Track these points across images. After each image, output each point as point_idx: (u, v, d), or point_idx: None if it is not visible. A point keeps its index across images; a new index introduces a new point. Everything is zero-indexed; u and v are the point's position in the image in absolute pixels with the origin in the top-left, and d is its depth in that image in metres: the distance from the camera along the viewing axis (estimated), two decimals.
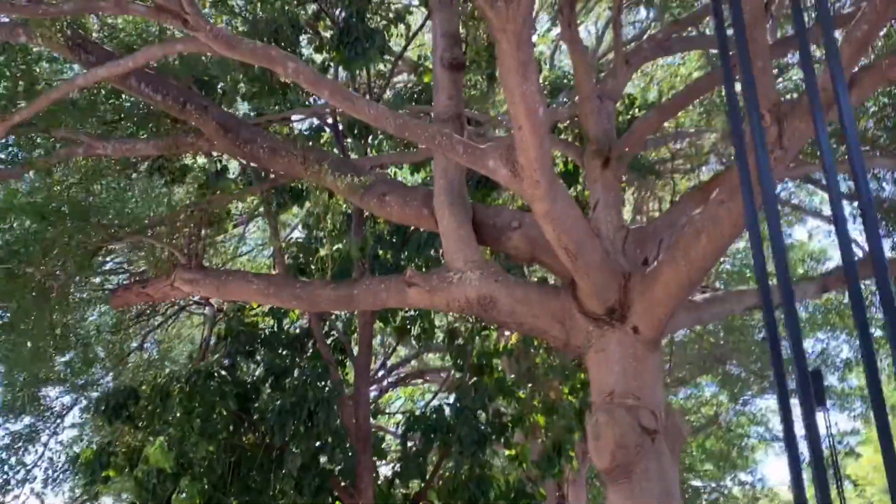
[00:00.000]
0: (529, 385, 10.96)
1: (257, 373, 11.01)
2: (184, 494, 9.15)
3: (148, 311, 12.00)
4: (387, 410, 17.09)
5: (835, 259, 18.70)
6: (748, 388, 18.96)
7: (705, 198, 7.18)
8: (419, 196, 7.46)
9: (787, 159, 5.63)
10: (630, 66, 7.72)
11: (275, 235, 9.23)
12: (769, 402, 20.75)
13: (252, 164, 8.25)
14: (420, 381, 16.77)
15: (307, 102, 9.69)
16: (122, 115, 8.55)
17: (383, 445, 12.08)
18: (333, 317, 11.87)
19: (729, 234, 5.92)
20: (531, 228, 7.17)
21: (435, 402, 12.78)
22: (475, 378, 11.17)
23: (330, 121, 10.25)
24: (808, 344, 17.73)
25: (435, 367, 16.46)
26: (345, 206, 9.21)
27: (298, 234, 13.58)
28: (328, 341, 11.25)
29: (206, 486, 9.30)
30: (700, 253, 6.03)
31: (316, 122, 10.95)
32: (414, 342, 12.88)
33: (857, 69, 5.37)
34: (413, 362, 16.53)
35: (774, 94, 5.60)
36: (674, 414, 6.57)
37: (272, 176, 8.53)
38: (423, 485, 10.92)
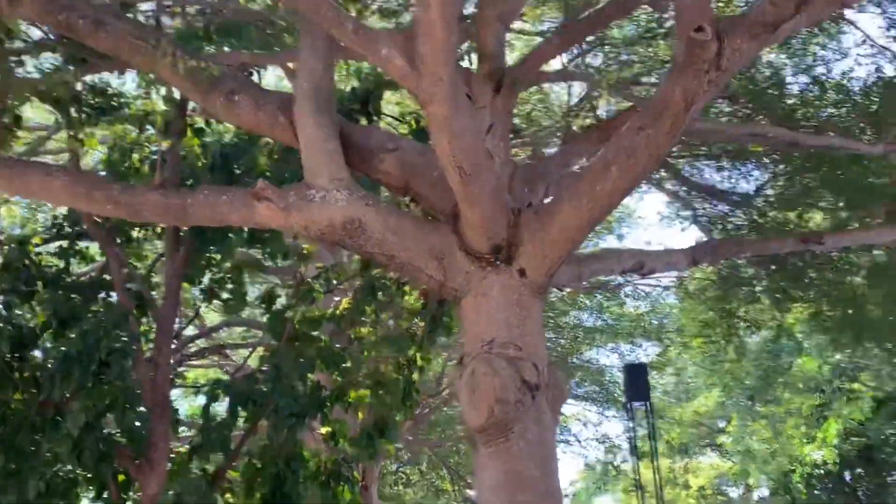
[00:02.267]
0: (356, 356, 9.93)
1: (37, 318, 9.17)
2: None
3: None
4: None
5: None
6: None
7: (603, 139, 6.57)
8: (276, 100, 6.30)
9: (721, 83, 5.08)
10: None
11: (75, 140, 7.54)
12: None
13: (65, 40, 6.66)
14: (217, 357, 15.20)
15: None
16: None
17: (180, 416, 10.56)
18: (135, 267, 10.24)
19: (644, 167, 5.28)
20: (409, 153, 6.23)
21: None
22: (295, 346, 9.97)
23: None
24: None
25: (239, 341, 14.98)
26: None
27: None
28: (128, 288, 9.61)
29: None
30: (608, 188, 5.35)
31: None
32: (222, 307, 11.43)
33: None
34: (222, 332, 14.94)
35: (710, 10, 5.03)
36: (555, 369, 5.84)
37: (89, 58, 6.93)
38: (226, 460, 9.54)
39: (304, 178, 5.90)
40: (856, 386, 22.41)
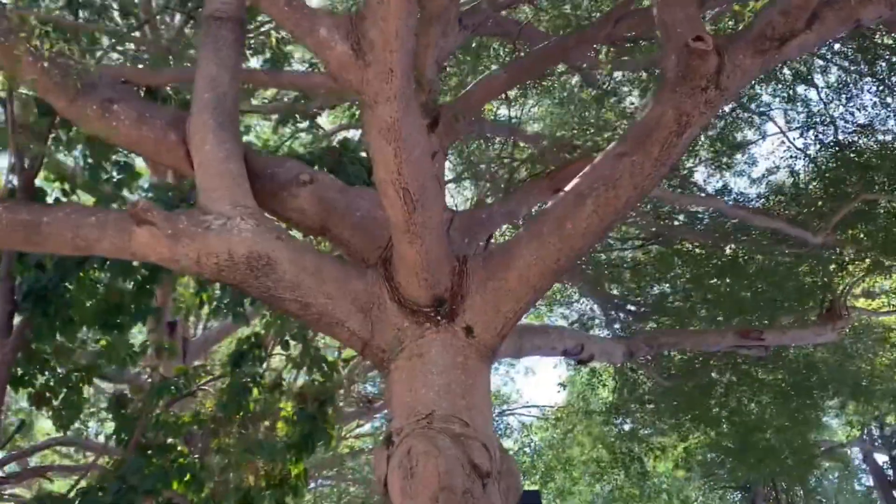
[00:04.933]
0: (222, 466, 8.30)
1: None
2: None
3: None
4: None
5: None
6: None
7: (554, 188, 5.73)
8: (166, 115, 5.12)
9: (718, 107, 4.37)
10: (464, 28, 6.23)
11: None
12: None
13: None
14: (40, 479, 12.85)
15: None
16: None
17: None
18: None
19: (626, 201, 4.41)
20: (327, 189, 5.14)
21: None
22: (146, 456, 8.24)
23: None
24: None
25: (69, 462, 12.73)
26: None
27: None
28: None
29: None
30: (581, 226, 4.44)
31: None
32: (52, 418, 9.50)
33: (820, 2, 4.35)
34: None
35: (702, 24, 4.39)
36: (508, 455, 4.66)
37: None
38: None
39: (198, 203, 4.67)
40: None
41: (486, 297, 4.60)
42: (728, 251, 8.68)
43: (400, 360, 4.58)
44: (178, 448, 8.69)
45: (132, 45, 6.18)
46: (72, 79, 4.79)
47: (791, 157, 9.02)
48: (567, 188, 4.54)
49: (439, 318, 4.60)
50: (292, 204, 5.05)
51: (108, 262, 8.15)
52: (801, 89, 9.05)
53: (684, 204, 8.18)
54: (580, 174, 4.54)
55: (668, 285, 10.11)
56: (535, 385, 43.11)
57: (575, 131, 7.19)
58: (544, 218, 4.57)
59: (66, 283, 8.07)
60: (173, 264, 4.48)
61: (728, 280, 8.70)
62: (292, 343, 9.17)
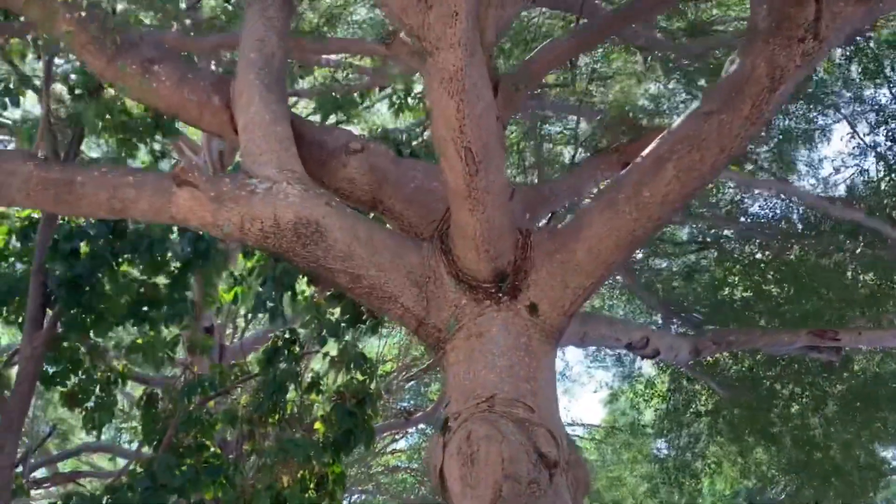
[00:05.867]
0: (256, 467, 7.92)
1: None
2: None
3: None
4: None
5: None
6: None
7: (624, 162, 5.32)
8: (209, 77, 4.83)
9: (820, 57, 3.95)
10: None
11: None
12: None
13: None
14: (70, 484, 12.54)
15: None
16: None
17: None
18: None
19: (712, 165, 3.99)
20: (379, 157, 4.78)
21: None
22: (178, 454, 7.90)
23: None
24: None
25: (100, 469, 12.45)
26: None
27: None
28: None
29: None
30: (661, 193, 4.02)
31: None
32: (83, 421, 9.20)
33: None
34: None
35: None
36: (576, 446, 4.24)
37: None
38: None
39: (242, 166, 4.34)
40: None
41: (552, 272, 4.20)
42: (794, 253, 8.19)
43: (457, 339, 4.19)
44: (211, 448, 8.36)
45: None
46: (111, 35, 4.50)
47: (860, 153, 8.53)
48: (644, 152, 4.13)
49: (500, 294, 4.21)
50: (341, 173, 4.70)
51: (140, 253, 7.89)
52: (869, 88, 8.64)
53: (758, 188, 7.73)
54: (658, 137, 4.13)
55: (727, 292, 9.62)
56: (578, 405, 42.25)
57: (644, 105, 6.80)
58: (619, 185, 4.16)
59: (99, 275, 7.82)
60: (215, 230, 4.14)
61: (794, 284, 8.21)
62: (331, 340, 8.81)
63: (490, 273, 4.20)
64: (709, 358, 7.01)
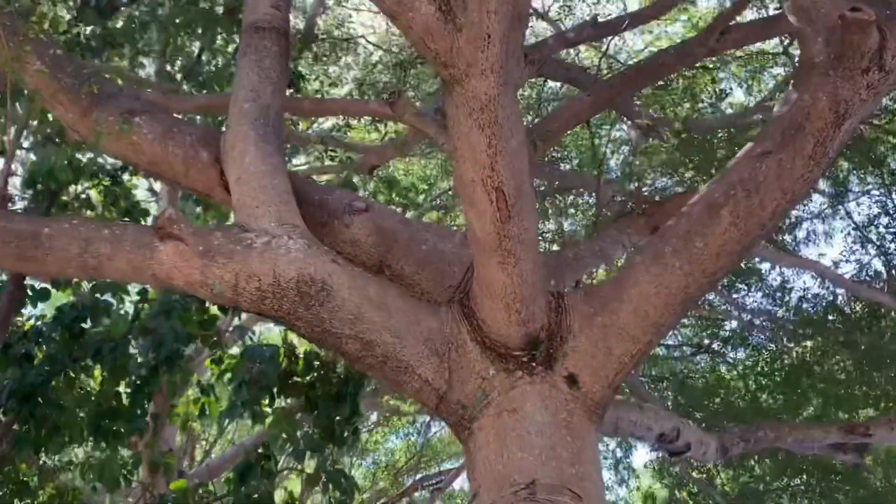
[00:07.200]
0: None
1: None
2: None
3: None
4: None
5: None
6: None
7: (653, 226, 4.87)
8: (196, 130, 4.34)
9: (885, 90, 3.60)
10: (530, 63, 5.48)
11: None
12: None
13: None
14: None
15: None
16: None
17: None
18: None
19: (774, 211, 3.54)
20: (384, 217, 4.27)
21: None
22: None
23: None
24: None
25: None
26: None
27: None
28: None
29: None
30: (716, 243, 3.55)
31: None
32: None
33: None
34: None
35: None
36: None
37: None
38: None
39: (237, 220, 3.80)
40: None
41: (592, 338, 3.65)
42: (803, 347, 7.76)
43: (486, 416, 3.57)
44: None
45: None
46: (87, 85, 4.03)
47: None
48: (693, 199, 3.69)
49: (534, 363, 3.64)
50: (344, 235, 4.17)
51: (104, 357, 7.18)
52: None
53: (786, 264, 7.33)
54: (709, 183, 3.70)
55: (724, 397, 9.13)
56: None
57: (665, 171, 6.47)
58: (665, 238, 3.68)
59: (55, 383, 7.04)
60: (204, 290, 3.55)
61: (805, 380, 7.74)
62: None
63: (522, 339, 3.64)
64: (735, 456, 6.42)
